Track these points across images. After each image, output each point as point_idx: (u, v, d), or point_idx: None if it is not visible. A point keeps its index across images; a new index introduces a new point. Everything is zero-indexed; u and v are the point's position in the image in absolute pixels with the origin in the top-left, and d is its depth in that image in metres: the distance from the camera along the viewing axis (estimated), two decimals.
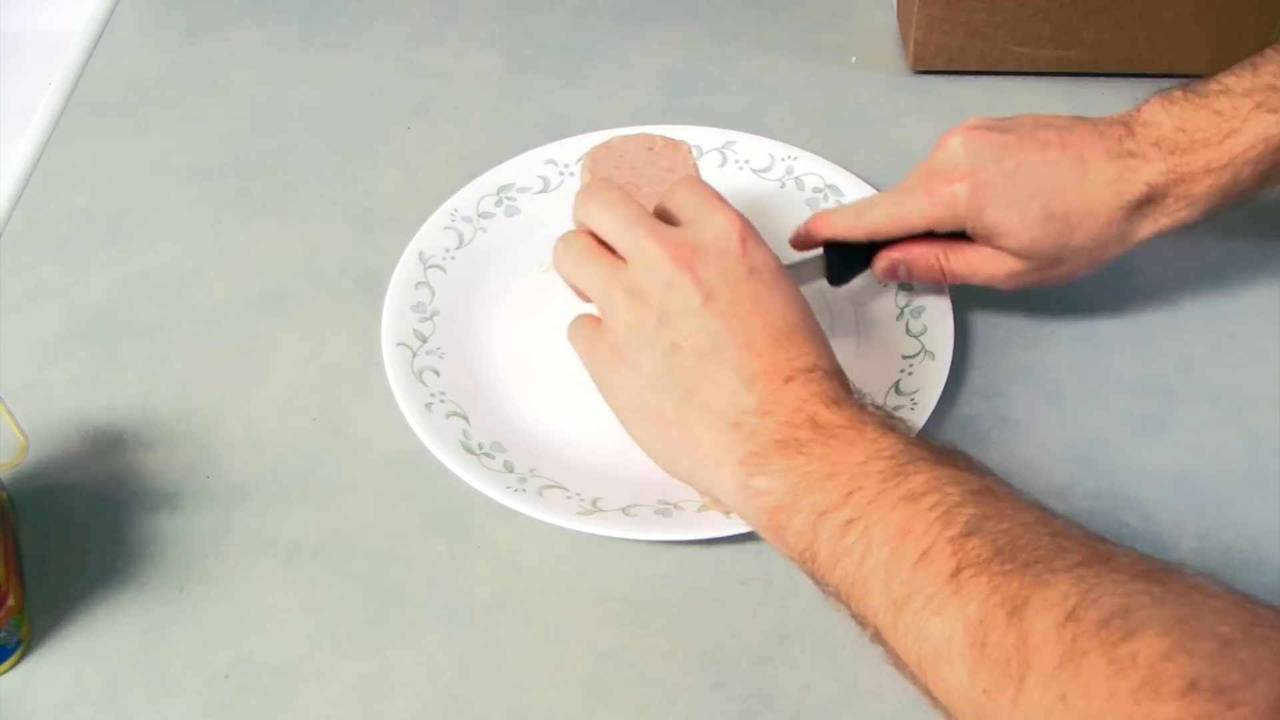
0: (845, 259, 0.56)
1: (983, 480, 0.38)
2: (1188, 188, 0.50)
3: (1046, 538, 0.35)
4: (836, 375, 0.42)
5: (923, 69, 0.73)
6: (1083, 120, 0.52)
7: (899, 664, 0.37)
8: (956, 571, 0.34)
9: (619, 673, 0.47)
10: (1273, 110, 0.49)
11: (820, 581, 0.39)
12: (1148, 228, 0.52)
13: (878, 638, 0.37)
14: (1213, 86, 0.50)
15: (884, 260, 0.55)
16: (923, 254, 0.54)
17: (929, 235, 0.54)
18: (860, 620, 0.38)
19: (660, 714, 0.46)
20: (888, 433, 0.39)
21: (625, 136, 0.55)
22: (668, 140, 0.55)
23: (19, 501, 0.52)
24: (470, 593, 0.49)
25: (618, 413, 0.46)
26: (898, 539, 0.36)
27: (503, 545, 0.51)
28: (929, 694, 0.35)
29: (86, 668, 0.47)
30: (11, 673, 0.47)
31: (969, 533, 0.35)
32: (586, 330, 0.47)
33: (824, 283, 0.57)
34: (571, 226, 0.57)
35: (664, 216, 0.46)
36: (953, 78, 0.73)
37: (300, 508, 0.52)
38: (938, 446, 0.39)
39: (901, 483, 0.37)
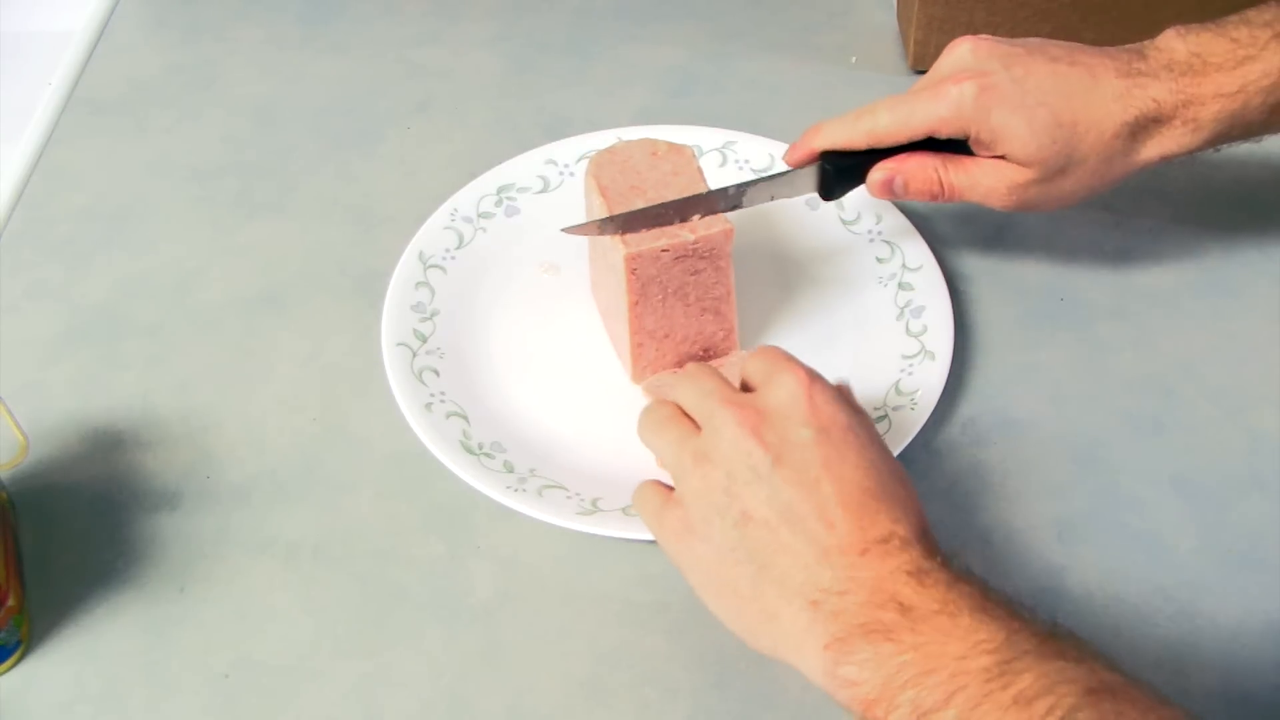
0: (840, 171, 0.53)
1: (1097, 673, 0.35)
2: (1195, 110, 0.50)
3: None
4: (919, 541, 0.39)
5: (923, 69, 0.73)
6: (1092, 46, 0.52)
7: None
8: None
9: (619, 673, 0.47)
10: None
11: None
12: (1152, 149, 0.51)
13: None
14: (1232, 18, 0.50)
15: (880, 171, 0.53)
16: (920, 165, 0.52)
17: (928, 147, 0.52)
18: None
19: (660, 714, 0.46)
20: (985, 620, 0.36)
21: (628, 142, 0.55)
22: (670, 145, 0.55)
23: (19, 501, 0.52)
24: (470, 593, 0.49)
25: (693, 584, 0.43)
26: None
27: (503, 545, 0.51)
28: None
29: (86, 668, 0.47)
30: (11, 673, 0.47)
31: None
32: (656, 500, 0.44)
33: (816, 254, 0.55)
34: (566, 224, 0.57)
35: (744, 389, 0.44)
36: None
37: (300, 508, 0.52)
38: (1043, 631, 0.36)
39: (1010, 684, 0.34)
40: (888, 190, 0.53)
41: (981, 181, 0.52)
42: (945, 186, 0.53)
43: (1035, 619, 0.37)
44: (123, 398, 0.57)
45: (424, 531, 0.51)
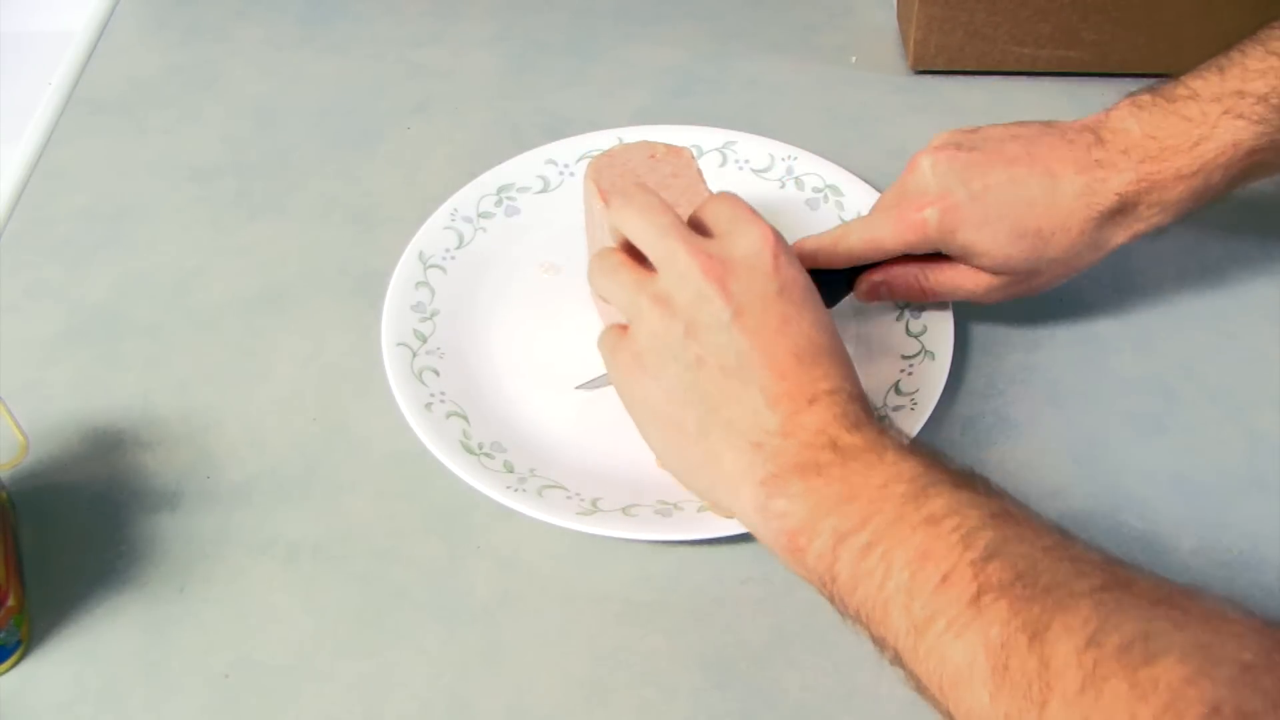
0: (828, 284, 0.55)
1: (1001, 503, 0.37)
2: (1160, 194, 0.50)
3: (1066, 561, 0.35)
4: (859, 399, 0.42)
5: (923, 69, 0.73)
6: (1050, 129, 0.52)
7: (919, 687, 0.36)
8: (978, 595, 0.34)
9: (619, 673, 0.47)
10: (1240, 116, 0.49)
11: (840, 605, 0.39)
12: (1121, 234, 0.52)
13: (898, 661, 0.37)
14: (1180, 91, 0.50)
15: (865, 284, 0.55)
16: (902, 275, 0.55)
17: (908, 255, 0.54)
18: (880, 643, 0.38)
19: (660, 714, 0.46)
20: (907, 456, 0.39)
21: (626, 145, 0.55)
22: (669, 147, 0.55)
23: (19, 501, 0.52)
24: (470, 593, 0.49)
25: (638, 422, 0.45)
26: (918, 562, 0.36)
27: (503, 545, 0.51)
28: (950, 717, 0.35)
29: (86, 668, 0.47)
30: (11, 673, 0.47)
31: (989, 556, 0.35)
32: (611, 336, 0.46)
33: (805, 234, 0.56)
34: (569, 225, 0.57)
35: (697, 228, 0.46)
36: (953, 78, 0.73)
37: (300, 508, 0.52)
38: (956, 470, 0.39)
39: (921, 506, 0.37)
40: (875, 296, 0.56)
41: (961, 285, 0.54)
42: (928, 292, 0.55)
43: (953, 461, 0.40)
44: (123, 398, 0.57)
45: (424, 531, 0.51)
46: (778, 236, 0.44)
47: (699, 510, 0.50)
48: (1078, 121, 0.52)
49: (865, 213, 0.63)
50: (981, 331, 0.59)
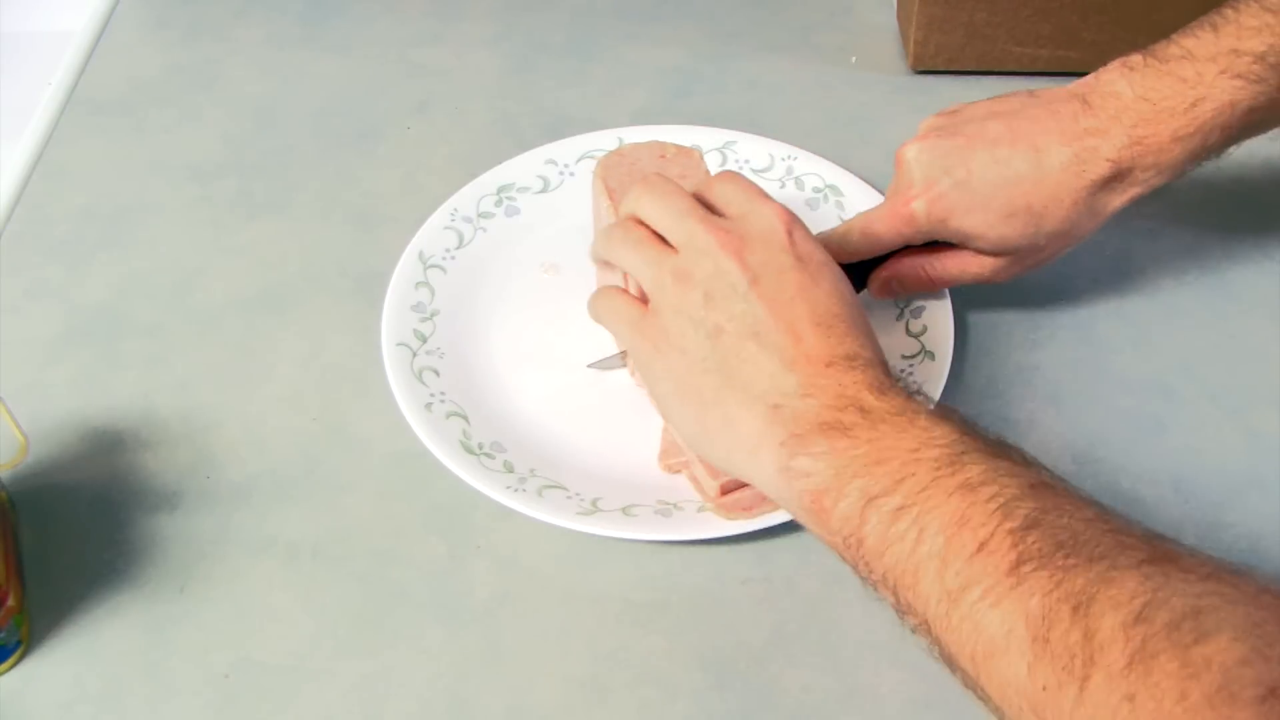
0: None
1: (1038, 473, 0.37)
2: (1156, 158, 0.50)
3: (1109, 534, 0.34)
4: (879, 364, 0.42)
5: (923, 69, 0.73)
6: (1034, 100, 0.52)
7: (948, 657, 0.36)
8: (1017, 564, 0.33)
9: (619, 673, 0.47)
10: (1237, 75, 0.48)
11: (864, 568, 0.38)
12: (1118, 199, 0.51)
13: (924, 628, 0.36)
14: (1173, 51, 0.50)
15: (876, 282, 0.56)
16: (909, 267, 0.55)
17: (911, 247, 0.54)
18: (907, 610, 0.37)
19: (660, 714, 0.46)
20: (939, 421, 0.39)
21: (636, 145, 0.55)
22: (679, 148, 0.55)
23: (19, 501, 0.52)
24: (470, 593, 0.49)
25: (658, 396, 0.45)
26: (954, 528, 0.35)
27: (503, 545, 0.51)
28: (981, 689, 0.35)
29: (86, 668, 0.47)
30: (11, 673, 0.47)
31: (1029, 525, 0.34)
32: (631, 311, 0.46)
33: None
34: (569, 225, 0.57)
35: (706, 207, 0.46)
36: (953, 78, 0.73)
37: (300, 508, 0.52)
38: (992, 438, 0.39)
39: (956, 472, 0.36)
40: (888, 292, 0.56)
41: (967, 269, 0.55)
42: (935, 281, 0.56)
43: (986, 430, 0.39)
44: (123, 398, 0.56)
45: (424, 531, 0.51)
46: (790, 214, 0.45)
47: (699, 510, 0.50)
48: (1063, 89, 0.52)
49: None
50: (981, 331, 0.59)
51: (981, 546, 0.34)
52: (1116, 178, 0.50)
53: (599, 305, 0.49)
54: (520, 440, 0.53)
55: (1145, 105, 0.49)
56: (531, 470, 0.52)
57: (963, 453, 0.37)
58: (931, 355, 0.56)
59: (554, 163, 0.65)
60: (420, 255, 0.61)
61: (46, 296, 0.62)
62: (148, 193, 0.67)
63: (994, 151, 0.50)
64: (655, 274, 0.45)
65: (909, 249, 0.54)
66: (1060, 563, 0.33)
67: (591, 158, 0.65)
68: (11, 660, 0.47)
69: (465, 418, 0.54)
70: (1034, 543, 0.34)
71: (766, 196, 0.46)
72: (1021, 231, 0.51)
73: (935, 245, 0.54)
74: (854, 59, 0.75)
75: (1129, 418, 0.55)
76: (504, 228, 0.63)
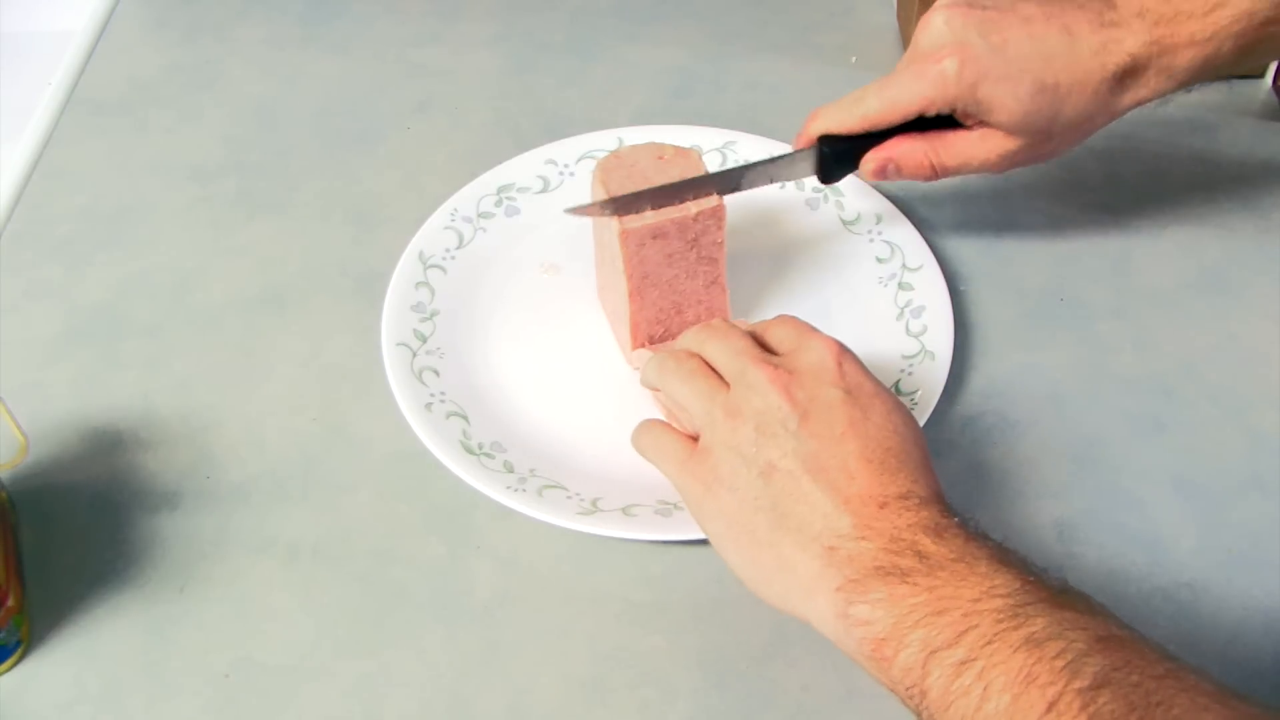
0: (837, 155, 0.55)
1: (1106, 625, 0.35)
2: (1169, 59, 0.50)
3: (1183, 694, 0.33)
4: (935, 501, 0.41)
5: None
6: None
7: None
8: None
9: (619, 673, 0.47)
10: None
11: (927, 718, 0.37)
12: (1128, 99, 0.52)
13: None
14: None
15: (872, 161, 0.54)
16: (910, 150, 0.54)
17: (917, 129, 0.53)
18: None
19: (660, 714, 0.46)
20: (1001, 569, 0.37)
21: (634, 146, 0.55)
22: (677, 148, 0.55)
23: (19, 501, 0.52)
24: (470, 593, 0.49)
25: (711, 535, 0.44)
26: (1020, 686, 0.34)
27: (503, 545, 0.51)
28: None
29: (86, 668, 0.47)
30: (11, 673, 0.47)
31: (1099, 685, 0.33)
32: (680, 451, 0.45)
33: (816, 254, 0.56)
34: (569, 225, 0.57)
35: (764, 347, 0.46)
36: None
37: (300, 508, 0.52)
38: (1056, 585, 0.37)
39: (1021, 625, 0.35)
40: (882, 175, 0.55)
41: (974, 155, 0.54)
42: (936, 167, 0.54)
43: (1049, 576, 0.38)
44: (123, 398, 0.57)
45: (424, 531, 0.51)
46: (841, 346, 0.44)
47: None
48: None
49: (865, 211, 0.63)
50: (982, 331, 0.59)
51: (1050, 707, 0.33)
52: (1132, 74, 0.51)
53: (645, 441, 0.48)
54: (520, 440, 0.53)
55: (1166, 6, 0.50)
56: (531, 470, 0.52)
57: (1026, 604, 0.36)
58: (932, 355, 0.56)
59: (554, 163, 0.65)
60: (420, 255, 0.61)
61: (46, 296, 0.62)
62: (148, 193, 0.67)
63: (1029, 27, 0.50)
64: (707, 409, 0.44)
65: (909, 131, 0.53)
66: None
67: (591, 158, 0.65)
68: (11, 660, 0.47)
69: (465, 418, 0.54)
70: (1105, 704, 0.33)
71: (815, 331, 0.45)
72: (1044, 110, 0.51)
73: (940, 130, 0.53)
74: (854, 59, 0.75)
75: (1129, 418, 0.55)
76: (504, 228, 0.63)
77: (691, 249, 0.53)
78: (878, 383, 0.44)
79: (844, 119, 0.53)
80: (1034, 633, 0.35)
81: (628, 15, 0.79)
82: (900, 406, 0.43)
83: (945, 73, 0.51)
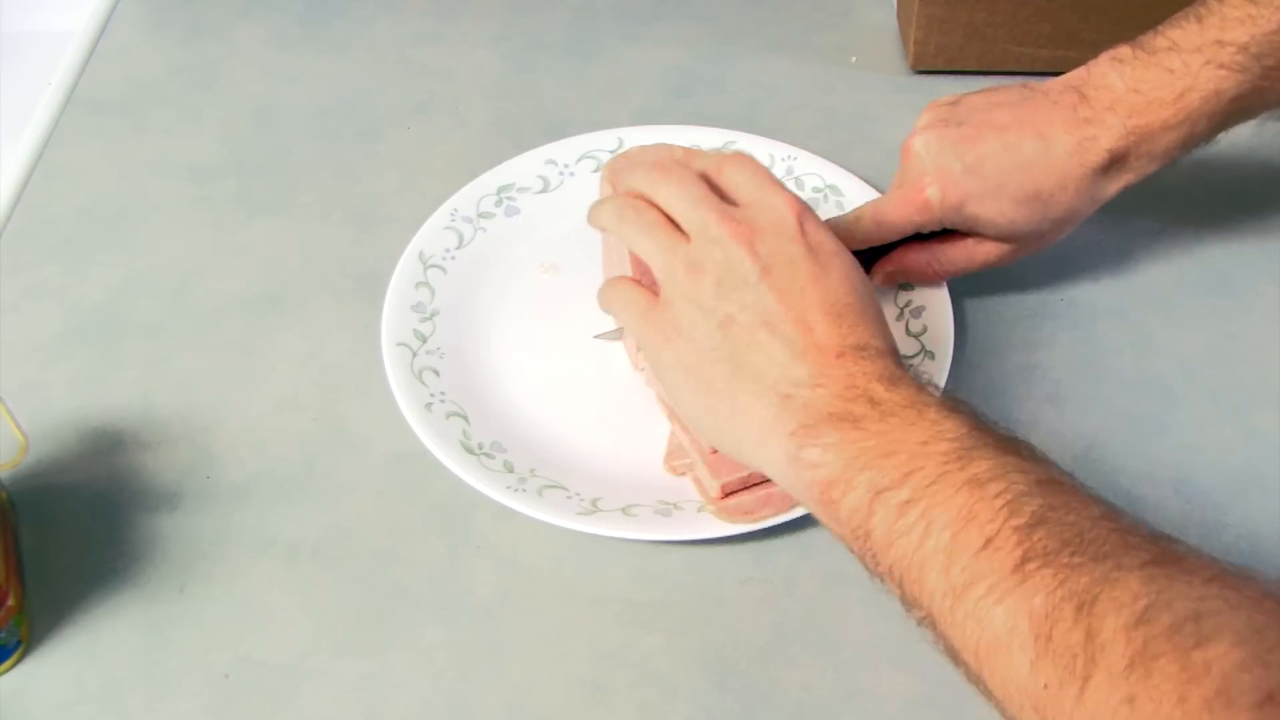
0: None
1: (1047, 470, 0.37)
2: (1148, 146, 0.51)
3: (1115, 534, 0.34)
4: (890, 354, 0.42)
5: (923, 69, 0.73)
6: (1032, 92, 0.53)
7: (952, 651, 0.36)
8: (1022, 562, 0.34)
9: (619, 673, 0.47)
10: (1221, 65, 0.50)
11: (871, 561, 0.38)
12: (1114, 186, 0.53)
13: (929, 622, 0.36)
14: (1160, 43, 0.51)
15: (880, 274, 0.57)
16: (915, 260, 0.56)
17: (919, 237, 0.55)
18: (912, 603, 0.37)
19: (660, 714, 0.46)
20: (949, 415, 0.39)
21: (643, 147, 0.55)
22: (686, 150, 0.55)
23: (19, 501, 0.52)
24: (470, 593, 0.49)
25: (668, 385, 0.45)
26: (960, 524, 0.35)
27: (503, 545, 0.51)
28: (983, 684, 0.35)
29: (86, 668, 0.47)
30: (11, 673, 0.47)
31: (1035, 523, 0.34)
32: (640, 301, 0.46)
33: None
34: (569, 225, 0.56)
35: (717, 192, 0.47)
36: (953, 78, 0.73)
37: (300, 508, 0.52)
38: (1002, 433, 0.39)
39: (965, 467, 0.36)
40: (891, 283, 0.58)
41: (972, 258, 0.56)
42: (942, 272, 0.57)
43: (998, 425, 0.39)
44: (123, 398, 0.56)
45: (424, 531, 0.51)
46: (801, 203, 0.45)
47: (699, 510, 0.50)
48: (1057, 80, 0.53)
49: None
50: (981, 331, 0.59)
51: (988, 543, 0.34)
52: (1114, 165, 0.52)
53: (609, 294, 0.49)
54: (520, 440, 0.53)
55: (1136, 97, 0.51)
56: (531, 470, 0.52)
57: (972, 447, 0.37)
58: (931, 355, 0.56)
59: (554, 163, 0.65)
60: (420, 255, 0.61)
61: (46, 296, 0.62)
62: (148, 193, 0.67)
63: (1003, 138, 0.52)
64: (667, 261, 0.45)
65: (914, 240, 0.55)
66: (1065, 561, 0.33)
67: (592, 158, 0.65)
68: (11, 660, 0.47)
69: (465, 418, 0.54)
70: (1040, 540, 0.34)
71: (778, 184, 0.46)
72: (1030, 216, 0.52)
73: (940, 236, 0.55)
74: (854, 59, 0.75)
75: (1129, 418, 0.55)
76: (504, 228, 0.63)
77: None
78: (837, 242, 0.45)
79: (845, 240, 0.55)
80: (977, 474, 0.36)
81: (628, 15, 0.79)
82: (858, 267, 0.44)
83: (930, 201, 0.53)
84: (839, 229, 0.54)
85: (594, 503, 0.50)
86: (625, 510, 0.50)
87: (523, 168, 0.65)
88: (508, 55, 0.76)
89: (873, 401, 0.39)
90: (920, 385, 0.41)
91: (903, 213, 0.53)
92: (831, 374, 0.41)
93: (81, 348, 0.59)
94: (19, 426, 0.49)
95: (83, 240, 0.65)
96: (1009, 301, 0.60)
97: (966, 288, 0.61)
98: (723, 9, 0.80)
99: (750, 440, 0.42)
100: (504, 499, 0.50)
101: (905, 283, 0.59)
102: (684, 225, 0.45)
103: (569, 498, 0.51)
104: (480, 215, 0.63)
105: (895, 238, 0.55)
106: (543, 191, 0.65)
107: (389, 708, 0.46)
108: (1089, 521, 0.34)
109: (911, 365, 0.41)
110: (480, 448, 0.52)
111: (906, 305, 0.58)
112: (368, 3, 0.80)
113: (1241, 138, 0.69)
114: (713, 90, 0.73)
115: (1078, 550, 0.33)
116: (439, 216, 0.62)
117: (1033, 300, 0.60)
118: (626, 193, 0.48)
